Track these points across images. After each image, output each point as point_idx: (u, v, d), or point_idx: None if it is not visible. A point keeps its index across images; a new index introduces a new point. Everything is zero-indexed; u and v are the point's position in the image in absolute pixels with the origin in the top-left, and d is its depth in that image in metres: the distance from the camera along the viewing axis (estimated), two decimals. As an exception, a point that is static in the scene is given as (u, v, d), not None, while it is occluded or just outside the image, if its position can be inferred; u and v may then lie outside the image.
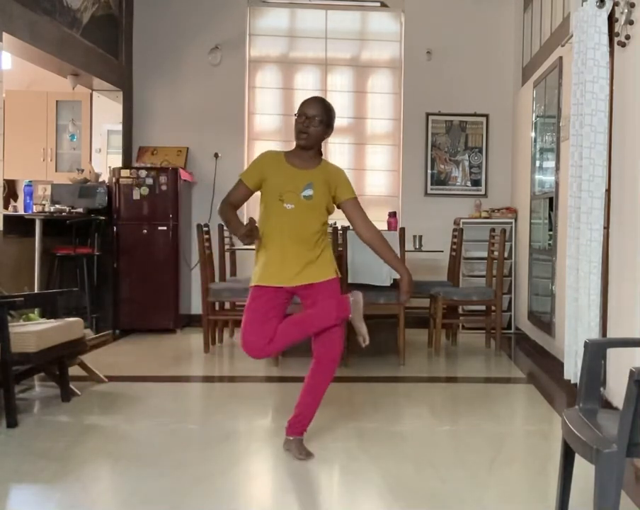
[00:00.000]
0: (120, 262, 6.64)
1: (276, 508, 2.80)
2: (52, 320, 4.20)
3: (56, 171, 7.27)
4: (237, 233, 3.06)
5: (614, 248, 3.86)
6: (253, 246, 3.26)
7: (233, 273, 6.48)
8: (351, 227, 3.44)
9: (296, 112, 3.21)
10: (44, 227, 5.82)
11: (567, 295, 4.13)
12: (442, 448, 3.44)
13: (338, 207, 3.33)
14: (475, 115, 7.30)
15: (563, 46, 4.87)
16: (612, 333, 3.86)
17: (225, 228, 3.20)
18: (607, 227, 3.92)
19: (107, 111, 7.10)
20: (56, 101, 7.26)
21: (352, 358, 5.34)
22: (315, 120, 3.15)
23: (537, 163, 6.25)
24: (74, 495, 2.80)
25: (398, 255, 5.15)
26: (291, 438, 3.30)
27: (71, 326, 4.16)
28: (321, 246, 3.26)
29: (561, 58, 5.32)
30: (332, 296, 3.23)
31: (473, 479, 2.99)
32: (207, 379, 5.18)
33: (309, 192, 3.16)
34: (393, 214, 6.23)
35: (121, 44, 6.95)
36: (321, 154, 3.31)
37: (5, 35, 4.85)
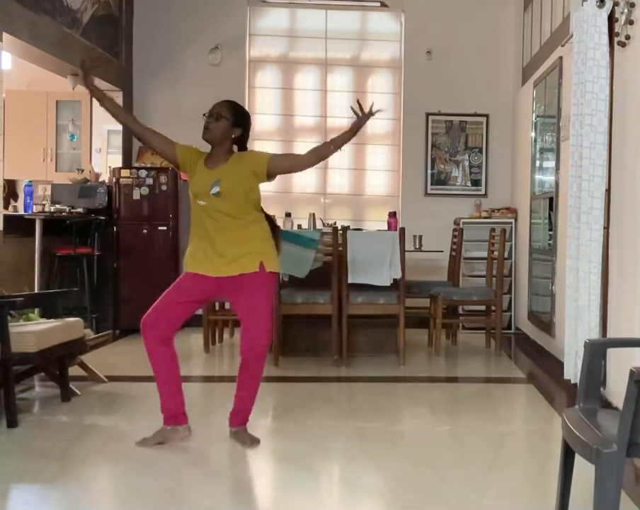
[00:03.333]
0: (120, 262, 6.64)
1: (276, 508, 2.80)
2: (52, 320, 4.19)
3: (56, 171, 7.26)
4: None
5: (614, 248, 3.86)
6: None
7: (233, 273, 6.47)
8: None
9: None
10: (44, 227, 5.82)
11: (567, 295, 4.12)
12: (442, 448, 3.43)
13: (272, 177, 3.43)
14: (475, 115, 7.30)
15: (563, 46, 4.87)
16: (612, 333, 3.86)
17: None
18: (607, 227, 3.92)
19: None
20: (56, 101, 7.25)
21: (352, 358, 5.35)
22: (216, 116, 3.34)
23: (537, 163, 6.25)
24: (74, 495, 2.80)
25: (398, 254, 5.17)
26: (235, 429, 3.42)
27: (71, 326, 4.16)
28: (249, 239, 3.35)
29: (561, 58, 5.32)
30: (259, 294, 3.30)
31: (473, 479, 2.99)
32: (207, 379, 5.18)
33: (215, 189, 3.30)
34: (393, 214, 6.23)
35: (121, 44, 6.95)
36: (232, 152, 3.43)
37: (5, 35, 4.85)
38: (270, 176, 3.41)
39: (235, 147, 3.45)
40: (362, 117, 3.41)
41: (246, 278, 3.30)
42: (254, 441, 3.38)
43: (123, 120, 3.50)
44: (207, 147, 3.44)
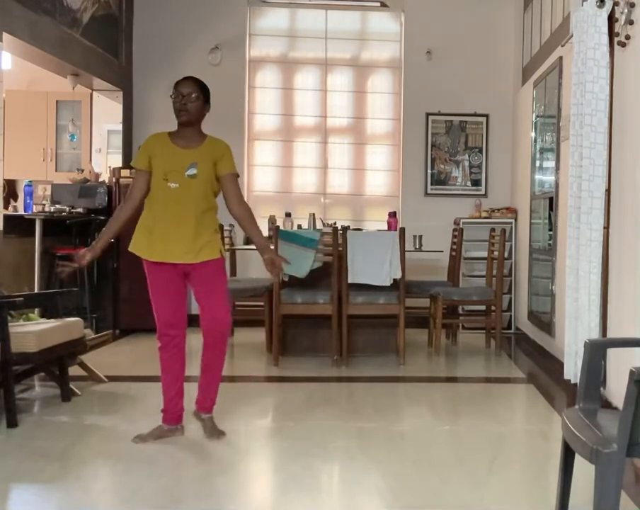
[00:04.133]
0: (120, 262, 6.63)
1: (276, 508, 2.81)
2: (52, 320, 4.20)
3: (56, 171, 7.26)
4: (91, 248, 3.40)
5: (614, 248, 3.85)
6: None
7: (234, 273, 6.47)
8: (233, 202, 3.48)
9: (171, 93, 3.38)
10: (44, 227, 5.82)
11: (567, 295, 4.12)
12: (442, 448, 3.43)
13: (218, 181, 3.40)
14: (475, 115, 7.30)
15: (563, 46, 4.87)
16: (612, 333, 3.86)
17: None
18: (607, 227, 3.92)
19: (107, 111, 7.10)
20: (56, 101, 7.26)
21: (352, 358, 5.35)
22: (192, 96, 3.30)
23: (537, 163, 6.25)
24: (74, 495, 2.80)
25: (398, 254, 5.17)
26: (203, 416, 3.46)
27: (71, 326, 4.16)
28: (210, 227, 3.37)
29: (561, 58, 5.32)
30: (219, 279, 3.36)
31: (473, 479, 2.99)
32: (207, 379, 5.17)
33: (192, 171, 3.28)
34: (393, 214, 6.23)
35: (121, 44, 6.94)
36: (203, 133, 3.42)
37: (5, 35, 4.85)
38: (216, 187, 3.40)
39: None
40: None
41: (210, 265, 3.33)
42: (220, 434, 3.43)
43: (121, 225, 3.47)
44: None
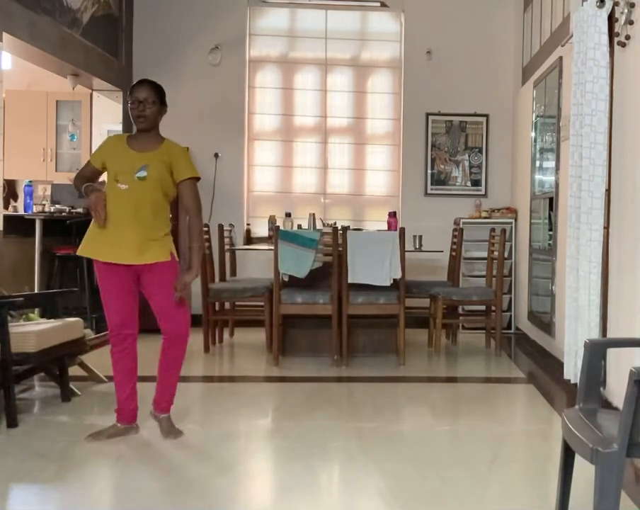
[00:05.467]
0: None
1: (276, 508, 2.81)
2: (52, 320, 4.19)
3: (56, 171, 7.27)
4: (86, 196, 3.30)
5: (614, 248, 3.85)
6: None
7: (233, 273, 6.47)
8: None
9: (129, 100, 3.36)
10: (44, 227, 5.82)
11: (567, 295, 4.12)
12: (442, 448, 3.44)
13: (177, 187, 3.41)
14: (475, 115, 7.30)
15: (563, 46, 4.87)
16: (612, 333, 3.86)
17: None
18: (607, 227, 3.92)
19: (107, 111, 7.10)
20: (56, 101, 7.26)
21: (352, 358, 5.35)
22: (149, 101, 3.33)
23: (537, 163, 6.25)
24: (74, 495, 2.80)
25: (398, 254, 5.17)
26: (160, 416, 3.47)
27: (71, 326, 4.16)
28: (160, 229, 3.37)
29: (561, 58, 5.32)
30: (171, 281, 3.33)
31: (473, 479, 2.99)
32: (207, 379, 5.18)
33: (142, 173, 3.29)
34: (393, 214, 6.23)
35: (121, 44, 6.94)
36: (160, 136, 3.45)
37: (5, 35, 4.84)
38: (171, 191, 3.41)
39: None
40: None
41: (160, 267, 3.34)
42: (178, 433, 3.45)
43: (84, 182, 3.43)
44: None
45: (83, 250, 3.41)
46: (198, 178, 3.44)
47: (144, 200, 3.30)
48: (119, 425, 3.45)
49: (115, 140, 3.48)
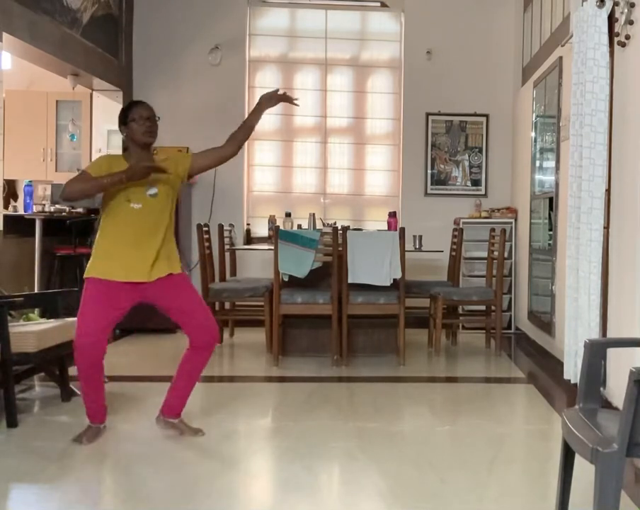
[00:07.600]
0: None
1: (276, 508, 2.80)
2: (52, 320, 4.19)
3: (56, 171, 7.27)
4: (128, 172, 3.19)
5: (614, 248, 3.86)
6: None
7: (233, 273, 6.48)
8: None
9: (131, 118, 3.33)
10: (44, 227, 5.82)
11: (567, 295, 4.13)
12: (442, 448, 3.44)
13: (192, 176, 3.51)
14: (475, 115, 7.30)
15: (563, 46, 4.87)
16: (612, 333, 3.86)
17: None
18: (607, 227, 3.92)
19: (107, 111, 7.09)
20: (56, 101, 7.26)
21: (352, 358, 5.35)
22: (154, 118, 3.39)
23: (537, 163, 6.25)
24: (74, 495, 2.80)
25: (398, 254, 5.17)
26: (172, 421, 3.48)
27: (71, 326, 4.14)
28: (171, 241, 3.44)
29: (561, 58, 5.32)
30: (193, 289, 3.45)
31: (473, 479, 2.99)
32: (207, 379, 5.15)
33: (153, 190, 3.32)
34: (393, 214, 6.23)
35: (121, 44, 6.94)
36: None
37: (5, 35, 4.85)
38: (189, 177, 3.49)
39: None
40: (274, 99, 3.58)
41: (175, 279, 3.37)
42: (197, 431, 3.49)
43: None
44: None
45: (94, 271, 3.31)
46: None
47: (158, 217, 3.33)
48: (97, 425, 3.44)
49: (111, 160, 3.40)
